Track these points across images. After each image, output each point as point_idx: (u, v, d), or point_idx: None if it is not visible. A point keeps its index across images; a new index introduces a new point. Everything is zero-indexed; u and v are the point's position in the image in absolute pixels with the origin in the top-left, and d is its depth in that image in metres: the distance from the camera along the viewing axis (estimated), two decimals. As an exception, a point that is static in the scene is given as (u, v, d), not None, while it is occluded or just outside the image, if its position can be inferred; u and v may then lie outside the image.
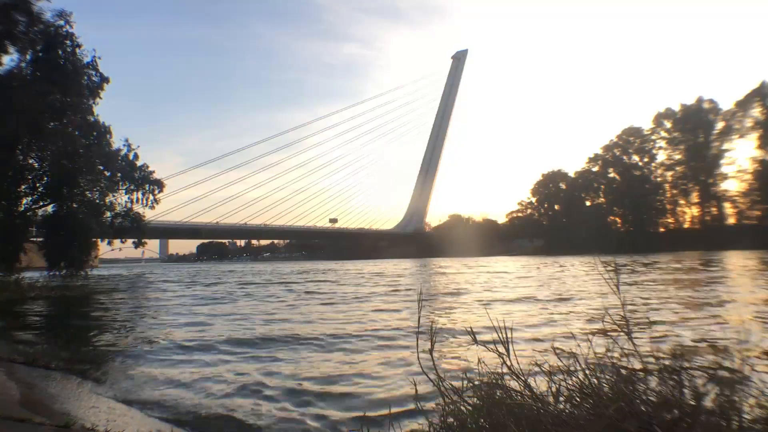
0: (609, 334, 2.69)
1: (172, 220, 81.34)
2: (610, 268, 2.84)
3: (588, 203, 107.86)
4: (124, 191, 34.45)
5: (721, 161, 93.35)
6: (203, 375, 6.23)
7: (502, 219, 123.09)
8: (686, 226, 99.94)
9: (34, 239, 28.86)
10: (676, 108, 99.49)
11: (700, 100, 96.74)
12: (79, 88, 26.56)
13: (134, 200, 35.09)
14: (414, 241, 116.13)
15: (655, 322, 8.53)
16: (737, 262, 34.24)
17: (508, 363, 2.58)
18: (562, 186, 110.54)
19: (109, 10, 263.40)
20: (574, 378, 2.54)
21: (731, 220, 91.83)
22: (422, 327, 2.68)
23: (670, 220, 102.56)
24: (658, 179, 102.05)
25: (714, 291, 14.61)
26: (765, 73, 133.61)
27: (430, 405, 3.17)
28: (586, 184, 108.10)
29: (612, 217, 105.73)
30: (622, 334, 2.62)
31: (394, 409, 4.41)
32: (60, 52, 25.64)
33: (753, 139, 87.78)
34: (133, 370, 6.63)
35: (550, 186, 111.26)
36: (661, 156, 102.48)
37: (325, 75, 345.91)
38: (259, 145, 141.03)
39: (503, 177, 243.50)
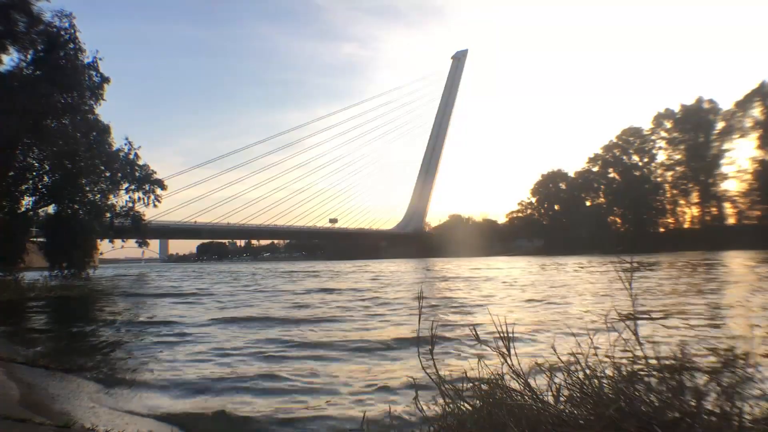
0: (612, 333, 2.69)
1: (172, 220, 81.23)
2: (621, 268, 2.84)
3: (588, 203, 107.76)
4: (124, 191, 34.41)
5: (721, 161, 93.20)
6: (205, 375, 6.22)
7: (502, 219, 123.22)
8: (686, 226, 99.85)
9: (34, 239, 28.85)
10: (676, 108, 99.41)
11: (700, 100, 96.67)
12: (80, 88, 26.54)
13: (135, 200, 35.05)
14: (414, 241, 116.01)
15: (655, 322, 8.53)
16: (739, 262, 34.22)
17: (509, 363, 2.57)
18: (562, 186, 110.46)
19: (109, 9, 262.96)
20: (574, 378, 2.54)
21: (731, 220, 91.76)
22: (423, 327, 2.68)
23: (670, 220, 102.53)
24: (658, 179, 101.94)
25: (716, 291, 14.60)
26: (765, 73, 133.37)
27: (430, 405, 3.17)
28: (586, 184, 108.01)
29: (612, 217, 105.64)
30: (624, 333, 2.62)
31: (393, 408, 4.41)
32: (61, 53, 25.63)
33: (753, 139, 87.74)
34: (134, 368, 6.62)
35: (549, 186, 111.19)
36: (661, 156, 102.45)
37: (325, 75, 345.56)
38: (259, 145, 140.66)
39: (503, 177, 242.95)
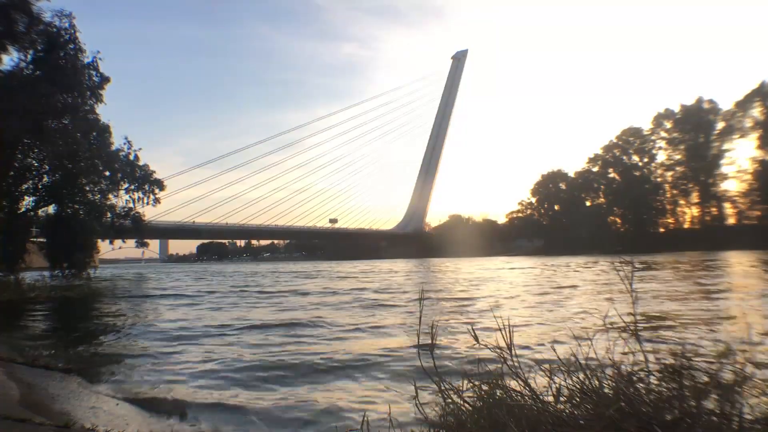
0: (612, 333, 2.69)
1: (172, 220, 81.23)
2: (621, 269, 2.85)
3: (588, 203, 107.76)
4: (124, 191, 34.39)
5: (721, 161, 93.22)
6: (208, 383, 6.22)
7: (502, 219, 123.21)
8: (686, 226, 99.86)
9: (35, 239, 28.86)
10: (676, 108, 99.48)
11: (700, 100, 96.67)
12: (80, 88, 26.53)
13: (135, 200, 35.05)
14: (414, 241, 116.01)
15: (656, 323, 8.53)
16: (739, 262, 34.22)
17: (509, 363, 2.57)
18: (562, 186, 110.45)
19: (109, 9, 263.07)
20: (574, 378, 2.54)
21: (731, 220, 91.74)
22: (424, 327, 2.68)
23: (670, 221, 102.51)
24: (658, 179, 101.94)
25: (717, 292, 14.59)
26: (765, 73, 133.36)
27: (430, 405, 3.17)
28: (586, 184, 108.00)
29: (612, 217, 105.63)
30: (626, 333, 2.62)
31: (393, 408, 4.41)
32: (61, 53, 25.63)
33: (753, 139, 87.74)
34: (133, 370, 6.62)
35: (549, 186, 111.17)
36: (661, 156, 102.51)
37: (325, 75, 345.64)
38: (259, 145, 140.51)
39: (503, 177, 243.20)
